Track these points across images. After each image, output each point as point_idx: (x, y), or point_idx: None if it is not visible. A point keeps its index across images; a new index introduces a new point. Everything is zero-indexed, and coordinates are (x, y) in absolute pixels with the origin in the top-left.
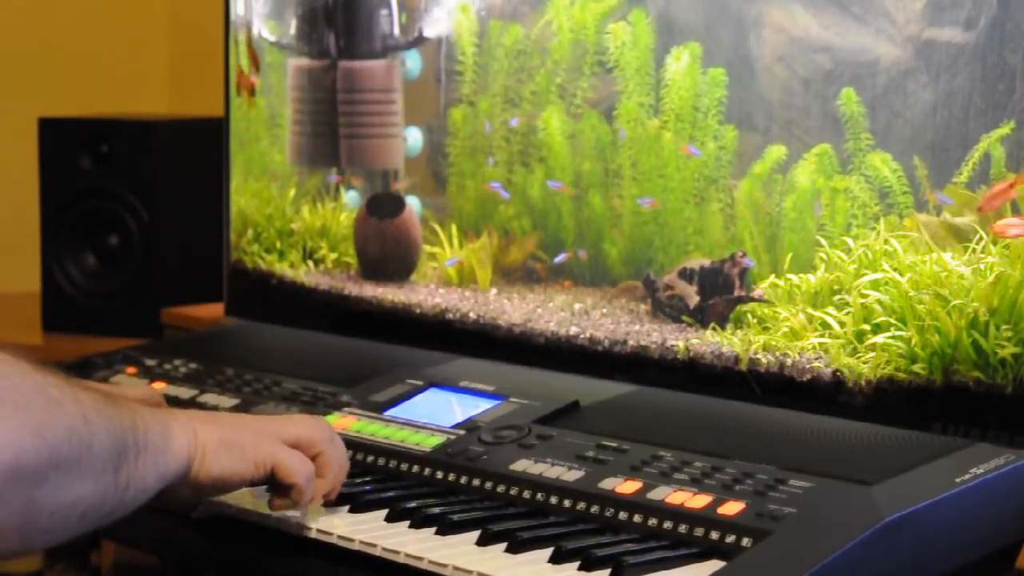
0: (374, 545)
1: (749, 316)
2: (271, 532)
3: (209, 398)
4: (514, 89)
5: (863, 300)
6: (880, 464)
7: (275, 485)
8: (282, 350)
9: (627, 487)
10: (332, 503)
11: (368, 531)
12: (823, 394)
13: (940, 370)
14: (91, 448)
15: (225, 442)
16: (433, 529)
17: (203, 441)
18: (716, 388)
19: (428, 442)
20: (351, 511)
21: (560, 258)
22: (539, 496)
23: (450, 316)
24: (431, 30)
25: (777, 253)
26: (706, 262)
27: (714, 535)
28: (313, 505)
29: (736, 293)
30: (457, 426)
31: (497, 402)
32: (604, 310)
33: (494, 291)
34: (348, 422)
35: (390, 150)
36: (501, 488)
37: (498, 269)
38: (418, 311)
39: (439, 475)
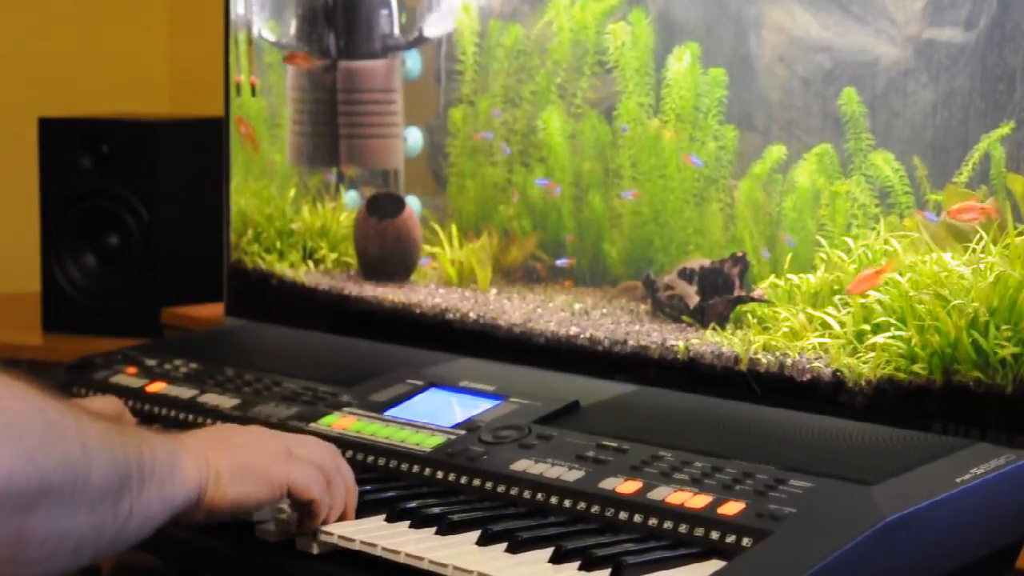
0: (374, 545)
1: (749, 316)
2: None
3: (209, 398)
4: (514, 89)
5: (863, 300)
6: (880, 464)
7: (292, 502)
8: (282, 350)
9: (627, 487)
10: None
11: (368, 531)
12: (823, 394)
13: (940, 370)
14: (88, 477)
15: (239, 466)
16: (433, 529)
17: (216, 467)
18: (716, 388)
19: (428, 442)
20: None
21: (562, 261)
22: (539, 496)
23: (450, 316)
24: (431, 30)
25: (777, 253)
26: (706, 262)
27: (714, 535)
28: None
29: (736, 293)
30: (457, 426)
31: (497, 402)
32: (604, 310)
33: (494, 291)
34: (348, 422)
35: (390, 150)
36: (501, 488)
37: (498, 269)
38: (418, 311)
39: (439, 475)
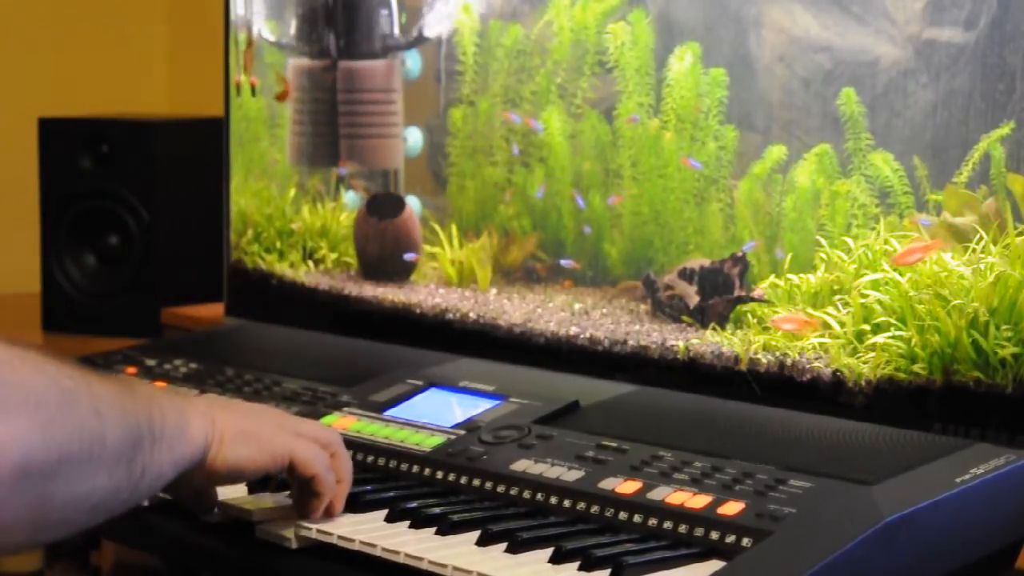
0: (374, 545)
1: (749, 316)
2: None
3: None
4: (514, 89)
5: (863, 300)
6: (880, 464)
7: (295, 480)
8: (282, 350)
9: (627, 487)
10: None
11: (368, 531)
12: (823, 394)
13: (940, 370)
14: (103, 441)
15: (243, 431)
16: (433, 529)
17: (221, 429)
18: (716, 388)
19: (428, 442)
20: (351, 511)
21: (567, 263)
22: (539, 496)
23: (450, 316)
24: (431, 30)
25: (777, 253)
26: (706, 262)
27: (714, 535)
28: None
29: (736, 293)
30: (457, 426)
31: (497, 402)
32: (604, 310)
33: (494, 291)
34: (348, 422)
35: (390, 150)
36: (501, 488)
37: (498, 269)
38: (418, 311)
39: (439, 475)
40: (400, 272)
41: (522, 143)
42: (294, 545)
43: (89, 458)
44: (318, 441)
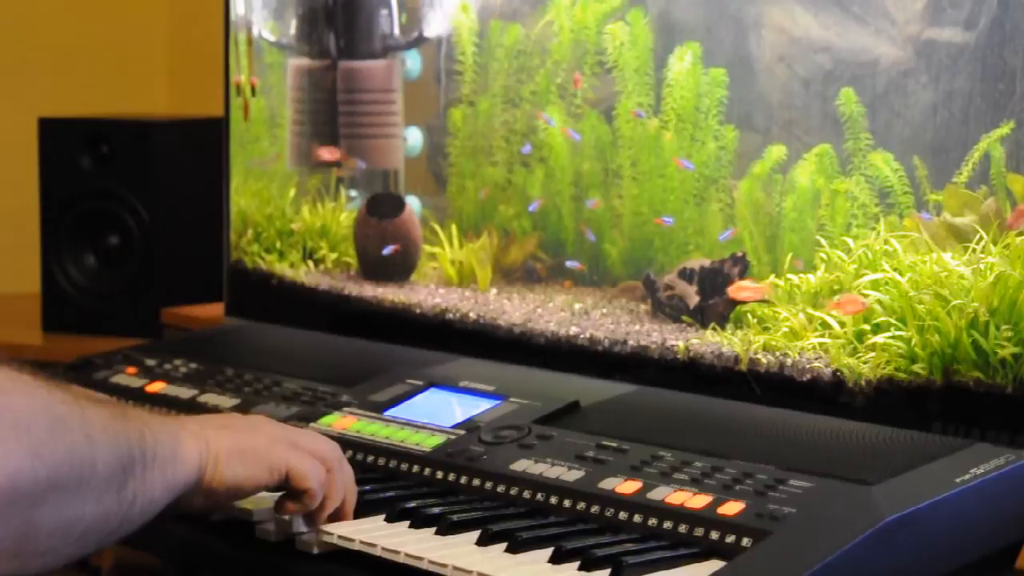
0: (374, 545)
1: (749, 316)
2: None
3: (209, 398)
4: (514, 89)
5: (863, 300)
6: (880, 464)
7: (288, 490)
8: (282, 350)
9: (627, 487)
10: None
11: (368, 531)
12: (823, 394)
13: (940, 370)
14: (93, 467)
15: (238, 448)
16: (433, 529)
17: (215, 449)
18: (716, 388)
19: (428, 442)
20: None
21: (572, 264)
22: (539, 496)
23: (450, 316)
24: (431, 30)
25: (777, 253)
26: (706, 262)
27: (714, 535)
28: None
29: None
30: (457, 426)
31: (497, 402)
32: (604, 310)
33: (494, 291)
34: (348, 422)
35: (390, 150)
36: (501, 488)
37: (498, 269)
38: (418, 311)
39: (439, 475)
40: (400, 272)
41: (521, 143)
42: (297, 546)
43: (79, 484)
44: (316, 455)
